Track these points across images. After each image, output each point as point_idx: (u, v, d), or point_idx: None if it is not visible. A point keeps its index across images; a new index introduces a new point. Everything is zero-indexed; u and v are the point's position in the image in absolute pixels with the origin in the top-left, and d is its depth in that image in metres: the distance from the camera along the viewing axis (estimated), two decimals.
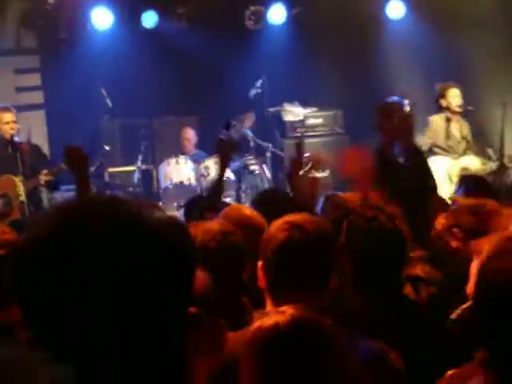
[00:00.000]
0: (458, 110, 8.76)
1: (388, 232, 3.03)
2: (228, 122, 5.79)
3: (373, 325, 2.78)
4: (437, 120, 8.80)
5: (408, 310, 3.06)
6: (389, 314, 2.95)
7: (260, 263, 2.77)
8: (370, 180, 4.19)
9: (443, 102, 8.74)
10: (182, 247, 1.32)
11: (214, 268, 2.94)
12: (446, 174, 8.53)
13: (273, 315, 2.08)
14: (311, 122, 11.05)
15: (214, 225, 3.35)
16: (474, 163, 8.54)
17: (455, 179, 8.61)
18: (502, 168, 8.46)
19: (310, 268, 2.67)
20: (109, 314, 1.22)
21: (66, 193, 8.63)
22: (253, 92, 10.72)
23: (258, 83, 10.71)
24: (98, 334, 1.21)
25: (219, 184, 5.41)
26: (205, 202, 5.26)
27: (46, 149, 10.22)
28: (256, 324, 2.10)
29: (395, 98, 9.53)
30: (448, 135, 8.76)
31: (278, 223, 2.77)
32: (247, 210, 4.10)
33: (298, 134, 10.46)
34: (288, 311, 2.06)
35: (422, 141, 8.75)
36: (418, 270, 3.40)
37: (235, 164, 10.14)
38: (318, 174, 9.74)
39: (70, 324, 1.21)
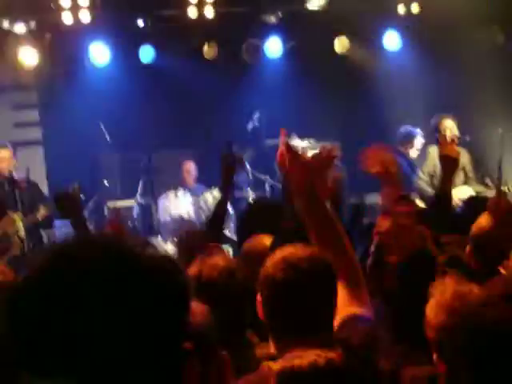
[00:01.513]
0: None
1: None
2: (229, 142, 5.77)
3: None
4: (433, 151, 8.81)
5: None
6: None
7: (258, 297, 2.73)
8: (397, 179, 4.03)
9: (437, 134, 8.77)
10: (175, 284, 1.32)
11: (218, 303, 2.96)
12: None
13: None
14: (309, 154, 11.03)
15: (219, 260, 3.39)
16: (467, 194, 8.52)
17: None
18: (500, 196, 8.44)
19: (308, 309, 2.63)
20: (98, 353, 1.22)
21: (65, 228, 8.63)
22: (250, 125, 10.75)
23: (255, 116, 10.74)
24: (91, 374, 1.21)
25: (222, 204, 5.38)
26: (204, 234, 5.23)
27: (44, 185, 10.22)
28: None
29: (409, 128, 9.59)
30: None
31: (274, 259, 2.70)
32: (268, 241, 4.08)
33: None
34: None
35: (424, 170, 8.82)
36: None
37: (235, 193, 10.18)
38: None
39: (60, 366, 1.21)
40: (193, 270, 3.32)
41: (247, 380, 2.61)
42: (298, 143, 10.76)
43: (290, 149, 2.74)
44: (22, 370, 1.23)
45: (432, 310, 2.55)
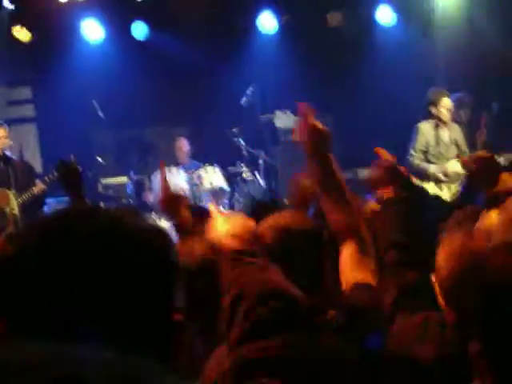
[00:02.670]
0: (447, 121, 8.78)
1: None
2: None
3: None
4: (425, 127, 8.79)
5: None
6: None
7: None
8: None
9: (434, 110, 8.73)
10: (164, 253, 1.35)
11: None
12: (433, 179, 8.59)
13: None
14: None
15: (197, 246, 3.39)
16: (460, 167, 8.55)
17: (444, 184, 8.65)
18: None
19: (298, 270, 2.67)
20: (91, 320, 1.24)
21: (59, 204, 8.64)
22: (244, 100, 10.74)
23: (249, 91, 10.73)
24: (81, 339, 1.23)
25: None
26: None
27: (38, 162, 10.24)
28: None
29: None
30: (437, 142, 8.78)
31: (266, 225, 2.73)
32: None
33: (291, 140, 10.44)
34: None
35: (415, 147, 8.77)
36: None
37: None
38: None
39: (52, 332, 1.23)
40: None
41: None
42: (292, 117, 10.79)
43: (309, 120, 2.85)
44: None
45: (441, 258, 2.59)
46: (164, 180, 3.78)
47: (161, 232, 1.38)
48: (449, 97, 8.77)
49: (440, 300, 2.57)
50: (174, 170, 10.25)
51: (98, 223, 1.31)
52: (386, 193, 3.40)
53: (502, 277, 1.73)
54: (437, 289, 2.57)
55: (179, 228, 3.74)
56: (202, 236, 3.49)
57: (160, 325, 1.31)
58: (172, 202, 3.78)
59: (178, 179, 10.14)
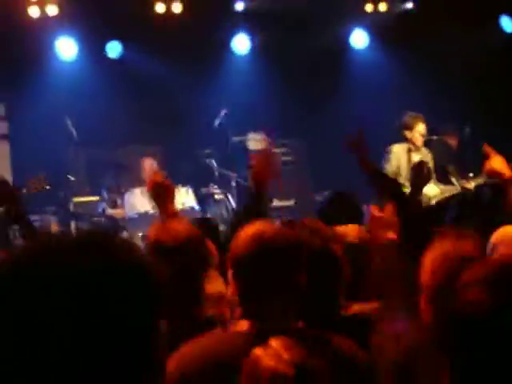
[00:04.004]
0: (420, 145, 8.85)
1: None
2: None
3: None
4: (398, 150, 8.84)
5: None
6: None
7: (230, 272, 2.80)
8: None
9: (408, 134, 8.79)
10: (149, 284, 1.31)
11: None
12: None
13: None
14: (275, 151, 11.09)
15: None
16: (432, 190, 8.59)
17: None
18: (464, 191, 8.53)
19: (279, 277, 2.72)
20: (71, 349, 1.22)
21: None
22: (217, 121, 10.75)
23: (222, 113, 10.74)
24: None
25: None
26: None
27: (8, 179, 10.13)
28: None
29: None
30: (409, 165, 8.81)
31: (244, 235, 2.79)
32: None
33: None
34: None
35: (388, 169, 8.81)
36: None
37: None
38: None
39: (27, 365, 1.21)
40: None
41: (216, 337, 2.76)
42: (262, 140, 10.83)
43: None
44: None
45: (430, 258, 2.68)
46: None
47: (151, 267, 1.35)
48: (424, 122, 8.83)
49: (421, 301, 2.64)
50: (137, 190, 10.14)
51: (91, 262, 1.27)
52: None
53: (472, 312, 1.76)
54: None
55: (165, 211, 3.82)
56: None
57: (139, 366, 1.28)
58: (160, 188, 3.88)
59: (142, 200, 9.90)
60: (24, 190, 8.25)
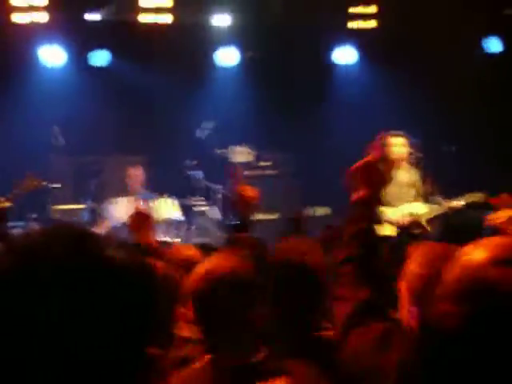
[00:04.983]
0: (404, 163, 8.77)
1: None
2: None
3: None
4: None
5: None
6: None
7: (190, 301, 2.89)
8: None
9: (389, 152, 8.76)
10: (146, 290, 1.32)
11: None
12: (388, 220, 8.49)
13: None
14: (260, 164, 11.12)
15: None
16: (419, 209, 8.56)
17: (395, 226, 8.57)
18: (451, 210, 8.51)
19: (231, 312, 2.78)
20: (59, 354, 1.21)
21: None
22: (203, 133, 10.75)
23: (205, 124, 10.75)
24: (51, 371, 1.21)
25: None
26: None
27: None
28: None
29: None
30: (394, 182, 8.65)
31: (198, 272, 2.87)
32: (190, 250, 4.21)
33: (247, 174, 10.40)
34: None
35: None
36: None
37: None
38: None
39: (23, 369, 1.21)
40: None
41: (180, 375, 2.76)
42: (249, 152, 10.84)
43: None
44: None
45: (415, 259, 2.72)
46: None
47: (145, 267, 1.36)
48: (402, 137, 8.75)
49: (404, 305, 2.64)
50: (121, 199, 10.06)
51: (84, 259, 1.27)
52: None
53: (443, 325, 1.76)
54: (403, 296, 2.65)
55: (141, 246, 3.81)
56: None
57: (130, 360, 1.29)
58: (139, 220, 3.87)
59: (126, 209, 9.76)
60: (17, 191, 8.23)
